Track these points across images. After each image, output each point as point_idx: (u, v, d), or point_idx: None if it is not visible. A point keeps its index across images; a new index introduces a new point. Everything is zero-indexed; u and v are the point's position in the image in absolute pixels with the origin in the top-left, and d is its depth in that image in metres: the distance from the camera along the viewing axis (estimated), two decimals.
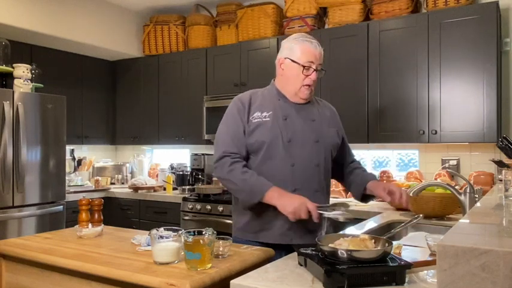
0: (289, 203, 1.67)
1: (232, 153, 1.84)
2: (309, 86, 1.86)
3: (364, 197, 1.97)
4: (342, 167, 2.06)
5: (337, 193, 3.44)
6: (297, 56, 1.85)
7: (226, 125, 1.90)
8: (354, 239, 1.33)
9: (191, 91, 4.14)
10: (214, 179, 3.91)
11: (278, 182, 1.78)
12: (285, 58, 1.89)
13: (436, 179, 3.08)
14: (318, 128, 1.91)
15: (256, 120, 1.85)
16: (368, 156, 3.70)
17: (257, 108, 1.88)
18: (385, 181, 3.29)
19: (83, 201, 2.04)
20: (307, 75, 1.85)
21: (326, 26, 3.65)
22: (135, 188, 4.05)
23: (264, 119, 1.85)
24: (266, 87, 2.01)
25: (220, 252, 1.58)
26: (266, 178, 1.81)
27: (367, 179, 1.94)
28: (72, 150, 4.28)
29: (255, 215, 1.86)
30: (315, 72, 1.85)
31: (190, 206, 3.58)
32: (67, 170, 3.86)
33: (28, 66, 3.53)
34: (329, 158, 1.93)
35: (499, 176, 2.59)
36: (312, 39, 1.89)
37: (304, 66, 1.84)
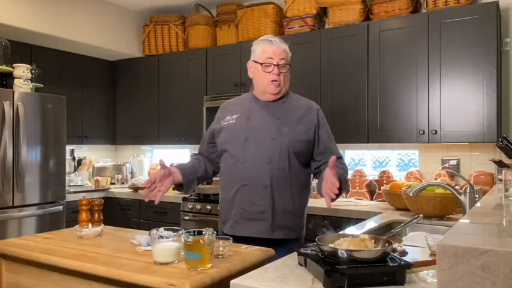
0: None
1: (199, 153, 2.20)
2: (274, 81, 1.95)
3: None
4: (317, 163, 2.02)
5: None
6: (257, 56, 1.99)
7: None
8: (354, 239, 1.33)
9: (191, 91, 4.14)
10: (214, 179, 3.91)
11: (231, 177, 1.99)
12: (251, 61, 2.04)
13: (436, 179, 3.08)
14: (278, 125, 1.96)
15: (224, 123, 2.05)
16: (368, 156, 3.70)
17: (229, 113, 2.07)
18: (384, 181, 3.29)
19: (83, 201, 2.04)
20: (269, 72, 1.95)
21: (326, 26, 3.65)
22: (135, 188, 4.05)
23: (230, 122, 2.03)
24: (247, 92, 2.16)
25: (220, 252, 1.58)
26: (225, 173, 2.06)
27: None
28: (72, 150, 4.28)
29: (221, 208, 2.10)
30: (276, 67, 1.94)
31: (190, 206, 3.58)
32: (67, 170, 3.86)
33: (28, 66, 3.53)
34: (287, 155, 1.93)
35: (499, 176, 2.59)
36: (272, 38, 2.01)
37: (262, 64, 1.96)
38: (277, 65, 1.94)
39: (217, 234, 1.61)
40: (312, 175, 2.09)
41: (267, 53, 1.95)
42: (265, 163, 1.92)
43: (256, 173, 1.92)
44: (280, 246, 1.84)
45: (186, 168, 2.08)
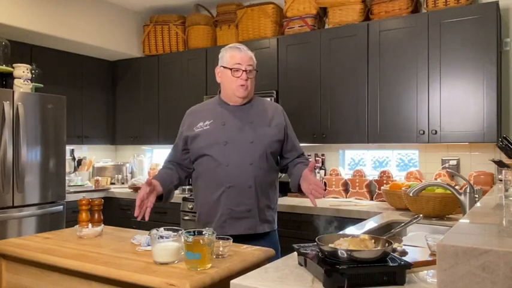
0: None
1: (169, 161, 2.25)
2: (242, 85, 2.07)
3: (300, 188, 2.09)
4: (286, 161, 2.23)
5: (337, 193, 3.44)
6: (226, 61, 2.12)
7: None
8: (354, 239, 1.33)
9: (191, 91, 4.14)
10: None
11: (215, 180, 2.06)
12: (220, 67, 2.16)
13: (436, 179, 3.08)
14: (254, 129, 2.09)
15: (198, 130, 2.12)
16: (368, 156, 3.70)
17: (200, 119, 2.14)
18: (384, 181, 3.29)
19: (83, 201, 2.04)
20: (238, 77, 2.07)
21: (326, 26, 3.66)
22: (135, 188, 4.05)
23: (205, 128, 2.11)
24: (213, 98, 2.27)
25: (220, 252, 1.58)
26: (206, 177, 2.10)
27: (302, 170, 2.05)
28: (72, 150, 4.28)
29: (201, 210, 2.15)
30: (244, 73, 2.07)
31: (190, 206, 3.58)
32: (67, 170, 3.86)
33: (28, 66, 3.53)
34: (265, 156, 2.09)
35: (499, 176, 2.59)
36: (239, 45, 2.15)
37: (232, 69, 2.08)
38: (245, 71, 2.07)
39: None
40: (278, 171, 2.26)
41: (235, 59, 2.08)
42: (248, 165, 2.05)
43: (240, 175, 2.04)
44: (263, 240, 2.05)
45: (164, 179, 2.14)
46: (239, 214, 2.04)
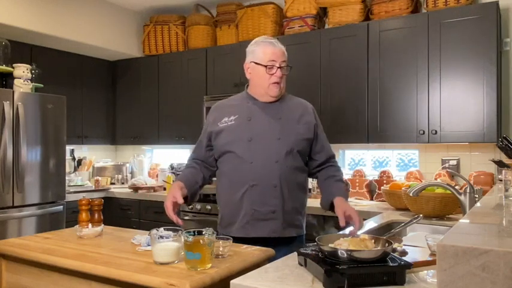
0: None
1: (193, 159, 2.14)
2: (276, 83, 1.95)
3: (332, 207, 1.98)
4: (314, 163, 2.10)
5: None
6: (259, 57, 1.97)
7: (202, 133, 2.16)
8: (354, 239, 1.33)
9: (191, 91, 4.14)
10: (214, 179, 3.90)
11: (238, 178, 1.96)
12: (250, 62, 2.02)
13: (436, 179, 3.08)
14: (282, 125, 1.98)
15: (222, 125, 2.01)
16: (368, 156, 3.70)
17: (225, 114, 2.03)
18: (384, 181, 3.29)
19: (83, 201, 2.04)
20: (272, 74, 1.95)
21: (326, 26, 3.65)
22: (135, 188, 4.05)
23: (229, 123, 2.00)
24: (240, 93, 2.15)
25: (220, 252, 1.58)
26: (229, 175, 2.00)
27: (335, 193, 1.96)
28: (72, 150, 4.28)
29: (224, 211, 2.05)
30: (279, 69, 1.95)
31: (190, 206, 3.58)
32: (67, 170, 3.86)
33: (28, 66, 3.53)
34: (291, 153, 1.97)
35: (499, 176, 2.59)
36: (271, 39, 2.01)
37: (266, 66, 1.94)
38: (280, 67, 1.95)
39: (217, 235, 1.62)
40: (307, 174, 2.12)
41: (269, 55, 1.95)
42: (274, 162, 1.93)
43: (265, 172, 1.93)
44: (292, 245, 1.89)
45: (189, 179, 2.06)
46: (262, 215, 1.92)
